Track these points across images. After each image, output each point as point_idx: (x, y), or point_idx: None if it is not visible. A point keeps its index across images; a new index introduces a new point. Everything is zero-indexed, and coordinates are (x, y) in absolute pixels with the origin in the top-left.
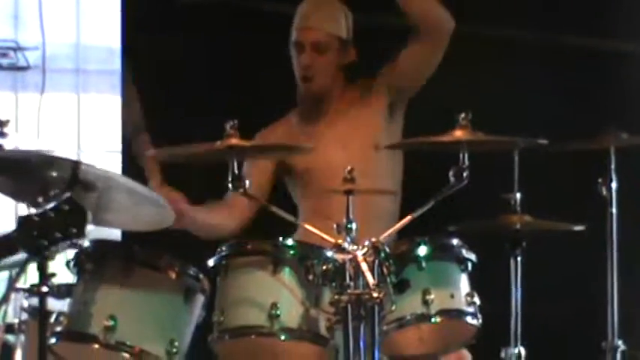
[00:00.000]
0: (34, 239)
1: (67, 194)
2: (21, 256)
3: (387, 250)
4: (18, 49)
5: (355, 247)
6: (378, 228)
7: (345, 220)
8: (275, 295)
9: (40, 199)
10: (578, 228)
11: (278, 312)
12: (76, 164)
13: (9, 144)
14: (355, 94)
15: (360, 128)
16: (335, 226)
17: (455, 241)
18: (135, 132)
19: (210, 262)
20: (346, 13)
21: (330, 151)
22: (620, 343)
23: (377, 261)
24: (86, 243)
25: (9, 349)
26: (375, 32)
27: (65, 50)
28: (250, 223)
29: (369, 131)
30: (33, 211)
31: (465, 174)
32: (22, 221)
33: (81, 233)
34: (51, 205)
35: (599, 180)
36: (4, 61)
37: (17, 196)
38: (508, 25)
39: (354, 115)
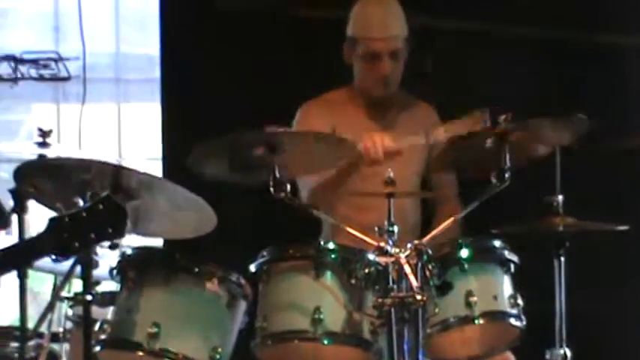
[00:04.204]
0: (64, 241)
1: (105, 193)
2: (66, 264)
3: (430, 252)
4: (59, 59)
5: (397, 249)
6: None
7: (386, 223)
8: (317, 299)
9: (77, 200)
10: (622, 228)
11: (321, 316)
12: (117, 169)
13: (52, 154)
14: (415, 111)
15: (411, 149)
16: (376, 228)
17: (497, 243)
18: None
19: (252, 268)
20: (399, 6)
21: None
22: None
23: (419, 263)
24: (129, 251)
25: (54, 358)
26: None
27: (105, 60)
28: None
29: (417, 157)
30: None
31: (506, 175)
32: (52, 222)
33: (118, 233)
34: (84, 205)
35: None
36: (46, 72)
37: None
38: (545, 24)
39: (409, 132)
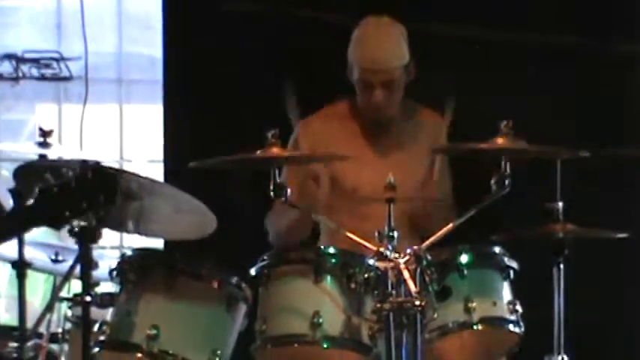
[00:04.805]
0: (55, 211)
1: (94, 161)
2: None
3: (429, 257)
4: (61, 59)
5: (397, 255)
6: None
7: (386, 228)
8: (317, 303)
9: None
10: (622, 235)
11: (320, 320)
12: (117, 172)
13: (53, 154)
14: (420, 120)
15: (414, 160)
16: (376, 233)
17: (497, 249)
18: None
19: (252, 271)
20: (403, 32)
21: (377, 171)
22: None
23: (419, 269)
24: (129, 252)
25: (53, 359)
26: None
27: (107, 60)
28: None
29: (420, 166)
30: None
31: (506, 182)
32: (41, 193)
33: (110, 200)
34: (72, 174)
35: None
36: (48, 72)
37: None
38: (549, 31)
39: (412, 143)
